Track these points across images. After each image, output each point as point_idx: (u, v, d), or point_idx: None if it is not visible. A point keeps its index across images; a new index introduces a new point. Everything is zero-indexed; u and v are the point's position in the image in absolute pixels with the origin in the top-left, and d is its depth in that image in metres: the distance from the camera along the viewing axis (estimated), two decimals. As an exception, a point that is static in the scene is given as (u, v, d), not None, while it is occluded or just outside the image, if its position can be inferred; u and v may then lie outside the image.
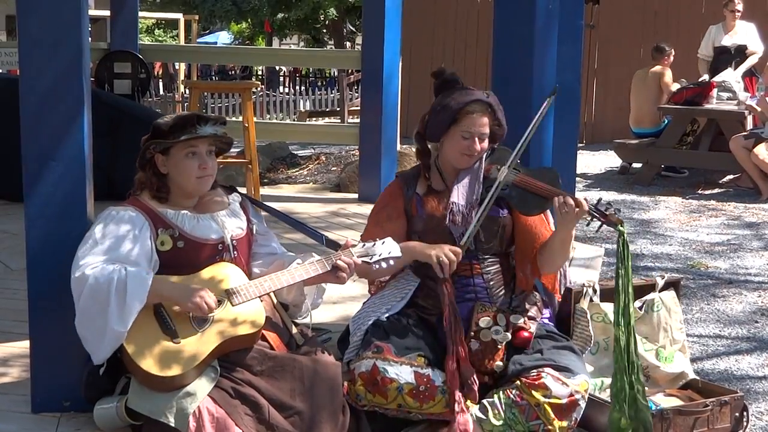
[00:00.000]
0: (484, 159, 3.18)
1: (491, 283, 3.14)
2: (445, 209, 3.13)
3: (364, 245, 3.00)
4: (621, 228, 2.97)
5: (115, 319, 2.70)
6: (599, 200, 3.04)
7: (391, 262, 3.00)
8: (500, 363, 3.03)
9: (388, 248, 2.98)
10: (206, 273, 2.90)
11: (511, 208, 3.17)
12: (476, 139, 3.12)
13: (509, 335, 3.03)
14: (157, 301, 2.78)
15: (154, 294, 2.76)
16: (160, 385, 2.71)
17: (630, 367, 2.92)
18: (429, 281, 3.12)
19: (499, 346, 3.02)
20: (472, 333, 3.04)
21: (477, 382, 2.96)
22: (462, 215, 3.10)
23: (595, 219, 3.00)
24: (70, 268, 2.83)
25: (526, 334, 3.04)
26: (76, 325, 2.82)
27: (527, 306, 3.15)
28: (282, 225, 3.36)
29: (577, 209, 2.97)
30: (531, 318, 3.10)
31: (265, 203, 3.27)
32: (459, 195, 3.13)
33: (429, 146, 3.24)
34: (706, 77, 9.09)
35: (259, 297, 2.89)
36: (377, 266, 2.97)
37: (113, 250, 2.81)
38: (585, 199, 3.00)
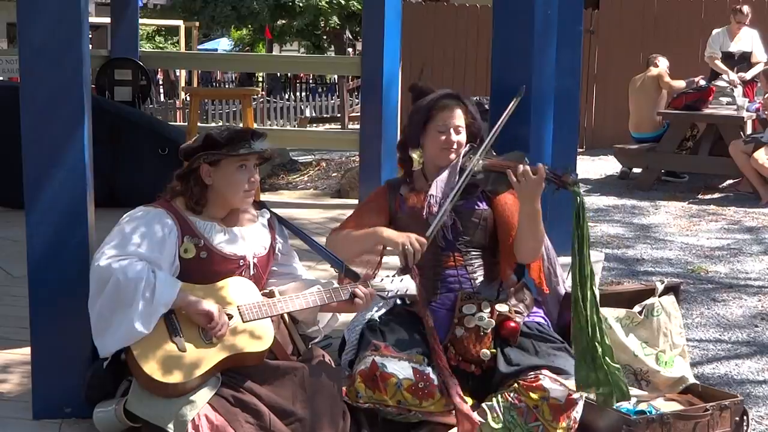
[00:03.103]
0: (462, 155, 3.22)
1: (475, 275, 3.18)
2: (425, 201, 3.18)
3: (381, 279, 3.01)
4: (576, 189, 2.96)
5: (139, 319, 2.70)
6: (557, 167, 3.05)
7: (407, 300, 3.03)
8: (487, 351, 3.05)
9: (405, 285, 3.00)
10: (222, 285, 2.89)
11: (490, 201, 3.21)
12: (451, 131, 3.19)
13: (493, 322, 3.07)
14: (180, 307, 2.78)
15: (180, 301, 2.76)
16: (161, 390, 2.71)
17: (591, 328, 2.91)
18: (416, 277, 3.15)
19: (483, 333, 3.06)
20: (456, 320, 3.08)
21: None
22: (438, 204, 3.14)
23: (551, 183, 3.00)
24: (72, 275, 2.83)
25: (512, 324, 3.07)
26: (91, 314, 2.81)
27: (515, 300, 3.18)
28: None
29: (534, 176, 2.97)
30: (518, 312, 3.13)
31: (293, 225, 3.25)
32: (437, 188, 3.18)
33: (413, 155, 3.36)
34: (730, 74, 9.13)
35: (270, 317, 2.89)
36: (391, 301, 3.00)
37: (139, 247, 2.80)
38: (543, 165, 3.01)
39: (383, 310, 3.18)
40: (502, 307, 3.11)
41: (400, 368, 2.91)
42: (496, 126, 3.22)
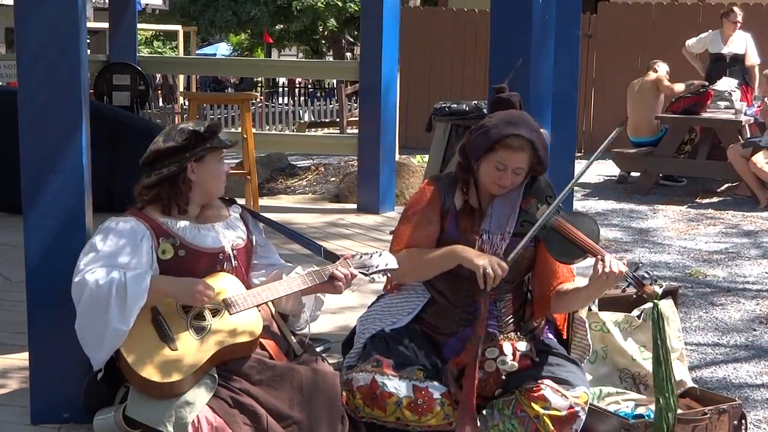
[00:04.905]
0: (522, 189, 3.04)
1: (503, 310, 3.07)
2: (477, 234, 3.01)
3: (361, 257, 2.99)
4: (656, 301, 2.89)
5: (116, 318, 2.72)
6: (637, 267, 2.92)
7: (389, 274, 2.99)
8: (502, 390, 3.01)
9: (385, 260, 2.96)
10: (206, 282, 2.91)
11: (537, 241, 3.03)
12: (510, 171, 2.96)
13: (516, 365, 2.97)
14: (158, 297, 2.79)
15: (157, 290, 2.78)
16: (159, 391, 2.72)
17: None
18: (440, 298, 3.06)
19: (504, 377, 3.00)
20: (478, 363, 2.97)
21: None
22: (492, 245, 2.99)
23: (631, 285, 2.90)
24: (70, 280, 2.84)
25: (529, 362, 3.00)
26: (77, 329, 2.82)
27: (533, 329, 3.10)
28: (281, 236, 3.38)
29: (616, 275, 2.85)
30: (534, 338, 3.08)
31: (263, 215, 3.27)
32: (492, 223, 3.01)
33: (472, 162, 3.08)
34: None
35: (257, 306, 2.90)
36: (373, 278, 2.96)
37: (113, 258, 2.82)
38: (624, 263, 2.88)
39: (398, 326, 3.08)
40: (523, 347, 3.01)
41: (400, 387, 2.87)
42: (573, 180, 3.11)
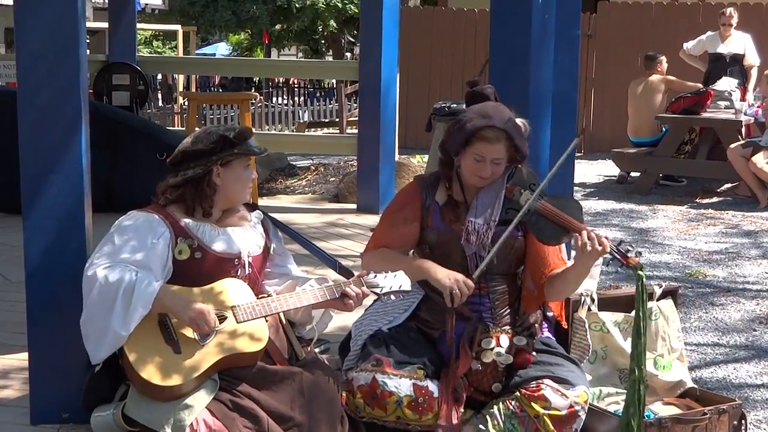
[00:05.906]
0: (505, 179, 3.08)
1: (497, 303, 3.09)
2: (463, 225, 3.05)
3: (375, 276, 2.99)
4: (640, 273, 2.91)
5: (118, 321, 2.71)
6: (620, 242, 2.96)
7: (401, 296, 3.01)
8: (499, 384, 3.02)
9: (399, 281, 2.97)
10: (215, 287, 2.89)
11: (526, 231, 3.07)
12: (488, 163, 3.00)
13: (511, 357, 2.99)
14: (161, 310, 2.79)
15: (159, 303, 2.76)
16: (158, 394, 2.71)
17: (638, 403, 2.93)
18: (435, 295, 3.07)
19: (501, 368, 3.01)
20: (474, 354, 3.00)
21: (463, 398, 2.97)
22: (477, 234, 3.03)
23: (615, 260, 2.93)
24: (70, 280, 2.84)
25: (528, 356, 3.01)
26: (81, 322, 2.82)
27: (529, 325, 3.11)
28: (285, 237, 3.37)
29: (600, 248, 2.89)
30: (531, 335, 3.08)
31: (285, 224, 3.26)
32: (477, 213, 3.05)
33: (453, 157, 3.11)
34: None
35: (265, 317, 2.89)
36: (386, 298, 2.97)
37: (128, 253, 2.81)
38: (606, 238, 2.92)
39: (395, 324, 3.10)
40: (520, 341, 3.02)
41: (401, 386, 2.88)
42: (554, 168, 3.13)
